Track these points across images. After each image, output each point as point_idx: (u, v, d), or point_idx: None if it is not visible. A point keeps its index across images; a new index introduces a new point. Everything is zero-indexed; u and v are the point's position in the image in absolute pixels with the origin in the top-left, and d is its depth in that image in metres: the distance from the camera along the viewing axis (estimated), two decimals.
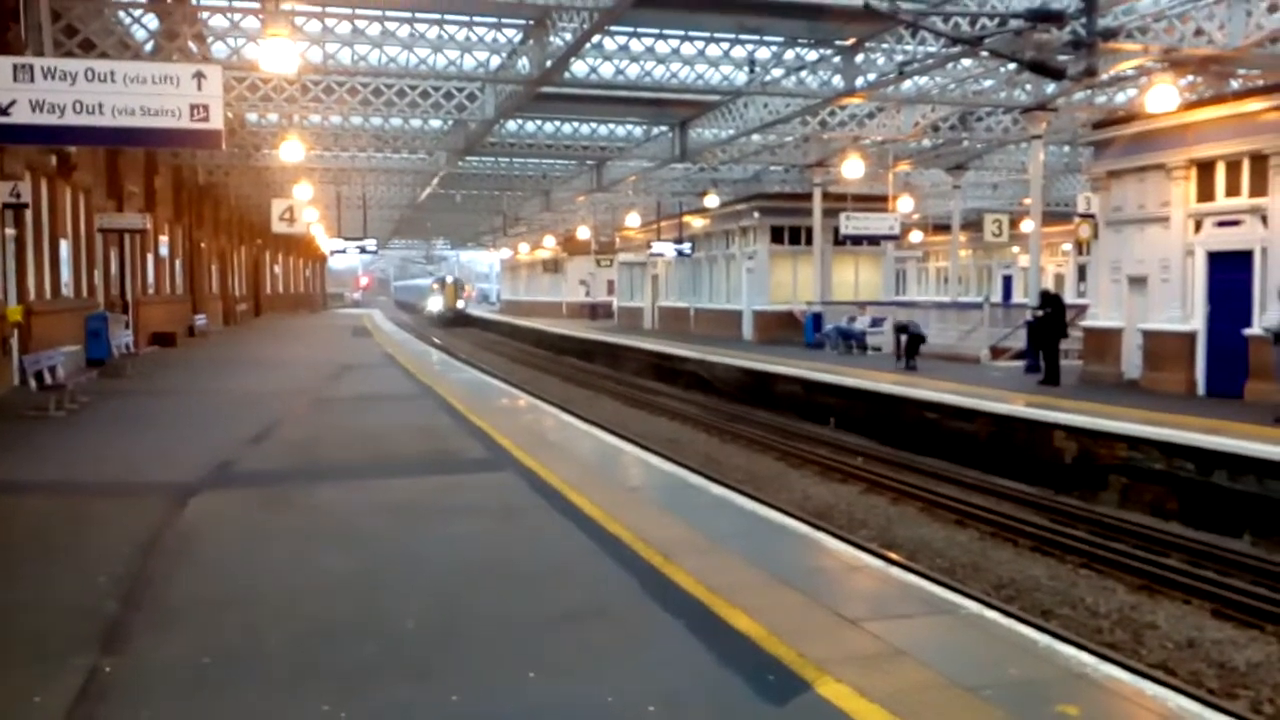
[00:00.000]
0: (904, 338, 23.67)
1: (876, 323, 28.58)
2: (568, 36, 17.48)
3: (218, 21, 18.93)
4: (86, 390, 16.68)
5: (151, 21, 18.44)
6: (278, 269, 60.50)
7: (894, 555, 10.22)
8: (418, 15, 19.48)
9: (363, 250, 40.20)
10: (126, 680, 4.93)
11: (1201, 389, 17.09)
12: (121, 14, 18.01)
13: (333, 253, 46.19)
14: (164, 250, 30.71)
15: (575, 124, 30.55)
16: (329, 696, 4.66)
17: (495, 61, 20.96)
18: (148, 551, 7.28)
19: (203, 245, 37.47)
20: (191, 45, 18.69)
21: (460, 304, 71.54)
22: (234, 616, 5.88)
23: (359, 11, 19.22)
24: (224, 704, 4.66)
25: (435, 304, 71.39)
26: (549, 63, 18.61)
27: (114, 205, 24.68)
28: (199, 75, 12.48)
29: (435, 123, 28.17)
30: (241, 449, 11.68)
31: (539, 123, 30.21)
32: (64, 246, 20.85)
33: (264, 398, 16.77)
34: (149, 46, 18.76)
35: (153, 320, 28.29)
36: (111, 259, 24.95)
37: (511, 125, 29.30)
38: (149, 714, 4.53)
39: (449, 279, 76.58)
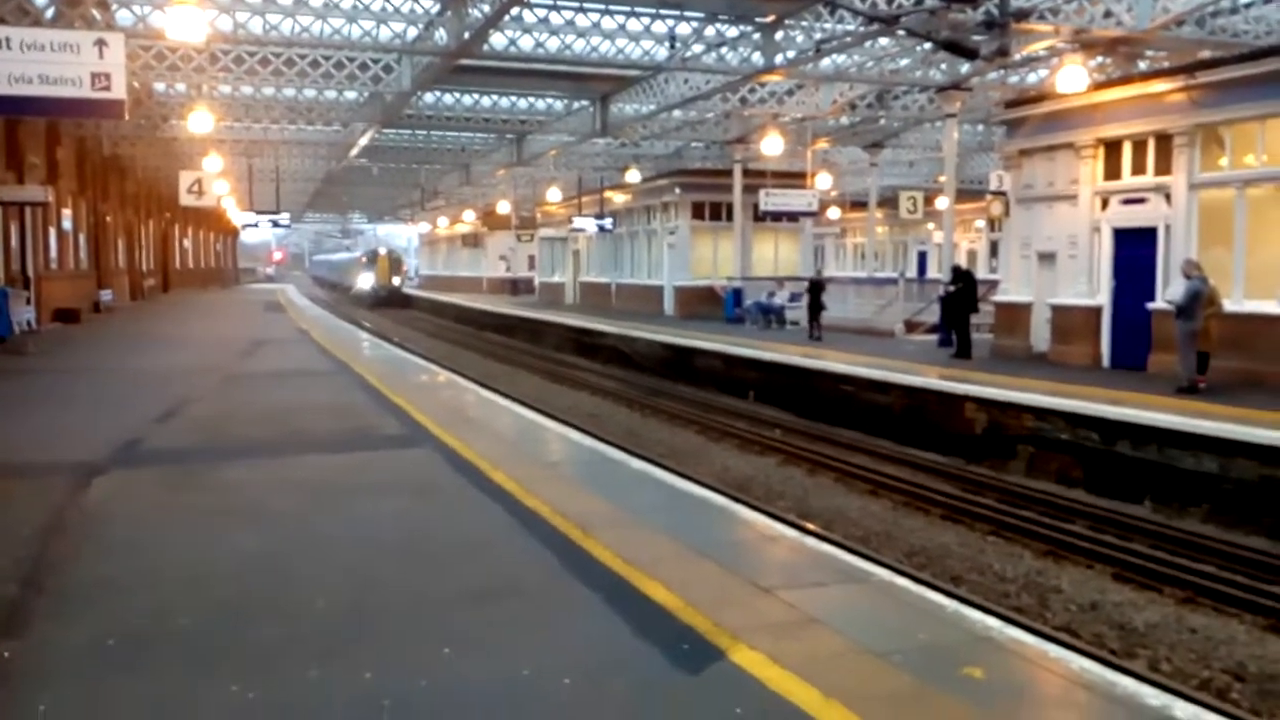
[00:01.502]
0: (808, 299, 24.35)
1: (795, 298, 28.92)
2: (486, 8, 17.29)
3: None
4: None
5: None
6: (187, 243, 58.99)
7: (810, 525, 10.39)
8: None
9: (275, 224, 39.32)
10: (27, 665, 4.78)
11: (1107, 361, 17.61)
12: None
13: (244, 226, 45.01)
14: (67, 224, 29.72)
15: (495, 97, 30.26)
16: (238, 677, 4.58)
17: (412, 33, 20.60)
18: (50, 533, 7.06)
19: (108, 219, 36.34)
20: (95, 12, 18.02)
21: (396, 280, 62.86)
22: (139, 598, 5.74)
23: None
24: (129, 686, 4.55)
25: (366, 280, 62.10)
26: (467, 34, 18.39)
27: (14, 177, 23.80)
28: (100, 43, 12.13)
29: (350, 94, 27.63)
30: (148, 427, 11.38)
31: (458, 95, 29.86)
32: None
33: (172, 375, 16.36)
34: (50, 13, 18.06)
35: (56, 296, 27.38)
36: (12, 233, 24.06)
37: (429, 98, 28.92)
38: (51, 697, 4.40)
39: (382, 250, 66.87)
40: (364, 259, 64.97)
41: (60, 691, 4.48)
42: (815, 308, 24.95)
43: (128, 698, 4.44)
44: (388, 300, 59.36)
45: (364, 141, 32.46)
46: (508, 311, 41.07)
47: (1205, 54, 18.63)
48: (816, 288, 25.34)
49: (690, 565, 6.35)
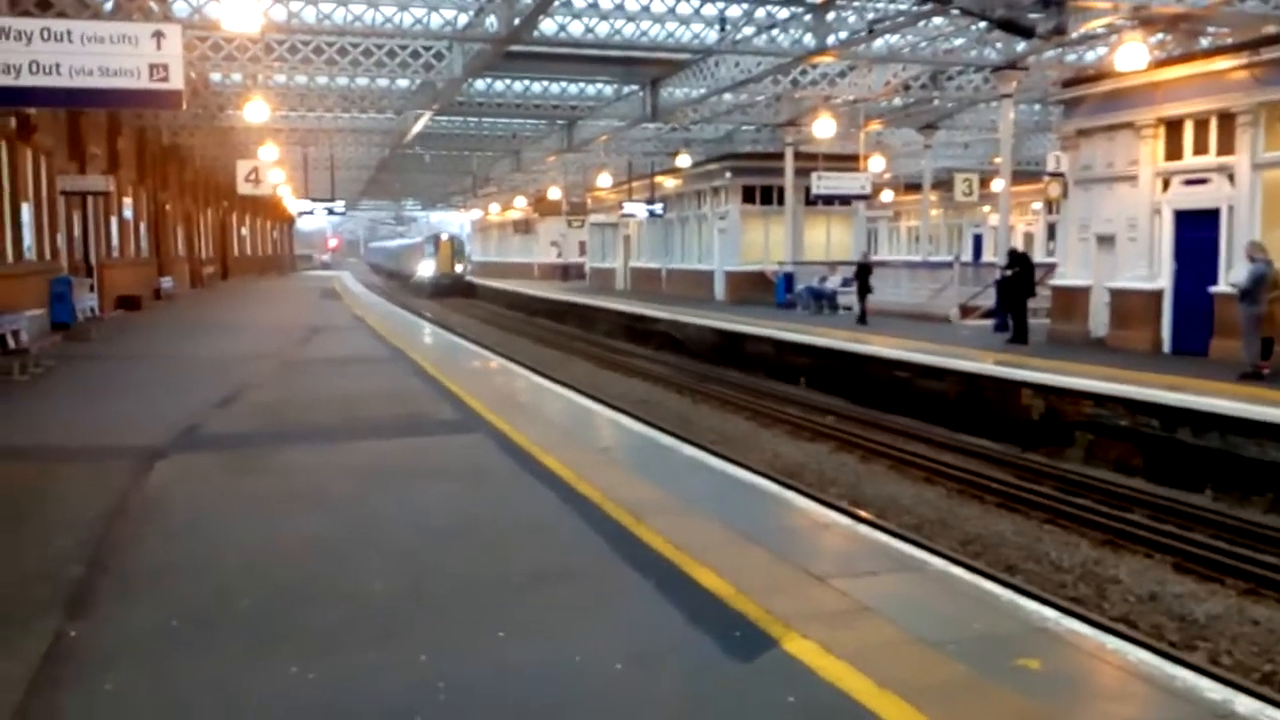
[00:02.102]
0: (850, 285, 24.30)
1: (847, 282, 28.68)
2: None
3: None
4: (51, 355, 16.49)
5: None
6: (245, 231, 59.83)
7: (862, 513, 10.33)
8: None
9: (330, 211, 39.82)
10: (92, 645, 4.90)
11: (1168, 347, 17.27)
12: None
13: (300, 214, 45.73)
14: (128, 213, 30.26)
15: (545, 83, 30.26)
16: (297, 659, 4.66)
17: (463, 19, 20.67)
18: (114, 516, 7.22)
19: (168, 207, 36.96)
20: (152, 4, 18.31)
21: (459, 268, 58.06)
22: (201, 580, 5.86)
23: None
24: (190, 667, 4.64)
25: (426, 268, 57.34)
26: (517, 20, 18.40)
27: (76, 167, 24.25)
28: (158, 35, 12.30)
29: (402, 82, 27.79)
30: (209, 412, 11.59)
31: (508, 82, 29.91)
32: (25, 210, 20.49)
33: (232, 361, 16.64)
34: (108, 5, 18.36)
35: (118, 284, 27.93)
36: (75, 222, 24.55)
37: (480, 84, 29.01)
38: (115, 678, 4.51)
39: (444, 235, 61.78)
40: (424, 245, 60.15)
41: (125, 671, 4.59)
42: (863, 291, 24.86)
43: (191, 677, 4.53)
44: (450, 289, 55.36)
45: (418, 128, 32.65)
46: (559, 297, 41.20)
47: (1270, 30, 18.12)
48: (864, 271, 25.19)
49: (742, 552, 6.34)
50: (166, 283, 34.07)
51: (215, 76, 27.57)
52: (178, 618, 5.24)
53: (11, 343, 15.22)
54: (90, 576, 5.92)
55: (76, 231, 24.73)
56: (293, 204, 48.59)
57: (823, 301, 28.52)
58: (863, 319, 24.27)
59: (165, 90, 12.29)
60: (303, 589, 5.70)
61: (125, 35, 12.25)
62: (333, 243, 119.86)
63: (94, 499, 7.65)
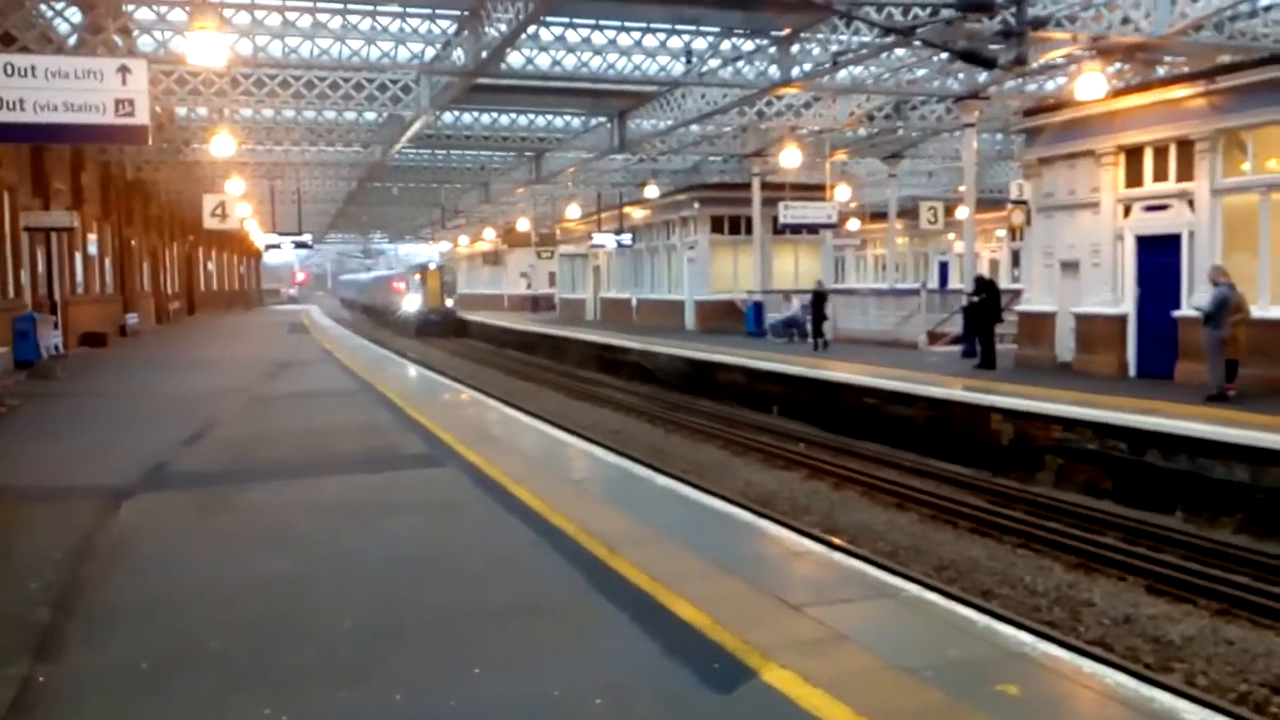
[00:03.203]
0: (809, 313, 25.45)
1: (805, 308, 29.06)
2: (503, 27, 17.37)
3: (144, 15, 18.55)
4: (15, 393, 16.27)
5: (75, 15, 17.99)
6: (211, 266, 59.46)
7: (836, 540, 10.33)
8: (350, 6, 19.28)
9: (298, 245, 39.62)
10: (61, 689, 4.81)
11: (1133, 370, 17.45)
12: (44, 7, 17.56)
13: (267, 248, 45.37)
14: (93, 249, 29.99)
15: (513, 115, 30.42)
16: (269, 700, 4.58)
17: (430, 53, 20.77)
18: (80, 557, 7.10)
19: (133, 243, 36.68)
20: (117, 39, 18.27)
21: (449, 302, 51.99)
22: (170, 621, 5.77)
23: (289, 3, 18.94)
24: (161, 710, 4.56)
25: (412, 302, 51.19)
26: (484, 54, 18.50)
27: (40, 203, 24.06)
28: (124, 69, 12.24)
29: (370, 115, 27.81)
30: (176, 450, 11.45)
31: (476, 114, 30.05)
32: None
33: (199, 398, 16.46)
34: (73, 40, 18.28)
35: (82, 320, 27.63)
36: (38, 258, 24.30)
37: (448, 117, 29.12)
38: None
39: (432, 264, 55.42)
40: (407, 277, 53.74)
41: (95, 715, 4.51)
42: (818, 319, 25.31)
43: None
44: (440, 326, 49.08)
45: (394, 152, 32.65)
46: (529, 329, 41.15)
47: (1225, 58, 18.51)
48: (819, 299, 25.58)
49: (718, 582, 6.32)
50: (132, 319, 33.75)
51: (181, 111, 27.49)
52: (147, 659, 5.14)
53: None
54: (57, 619, 5.81)
55: (40, 268, 24.46)
56: (260, 238, 48.37)
57: (793, 330, 28.66)
58: (821, 346, 24.73)
59: (131, 125, 12.23)
60: (274, 628, 5.62)
61: (90, 70, 12.19)
62: (300, 276, 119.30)
63: (60, 540, 7.52)
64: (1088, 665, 5.22)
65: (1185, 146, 16.53)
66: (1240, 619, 8.52)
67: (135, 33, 18.90)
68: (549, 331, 38.55)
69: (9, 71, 11.85)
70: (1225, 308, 14.06)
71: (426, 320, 49.59)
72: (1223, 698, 6.87)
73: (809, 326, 28.29)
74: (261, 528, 7.95)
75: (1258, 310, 14.70)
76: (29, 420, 14.31)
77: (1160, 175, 17.13)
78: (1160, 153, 17.09)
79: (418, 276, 52.46)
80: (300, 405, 15.71)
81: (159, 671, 5.00)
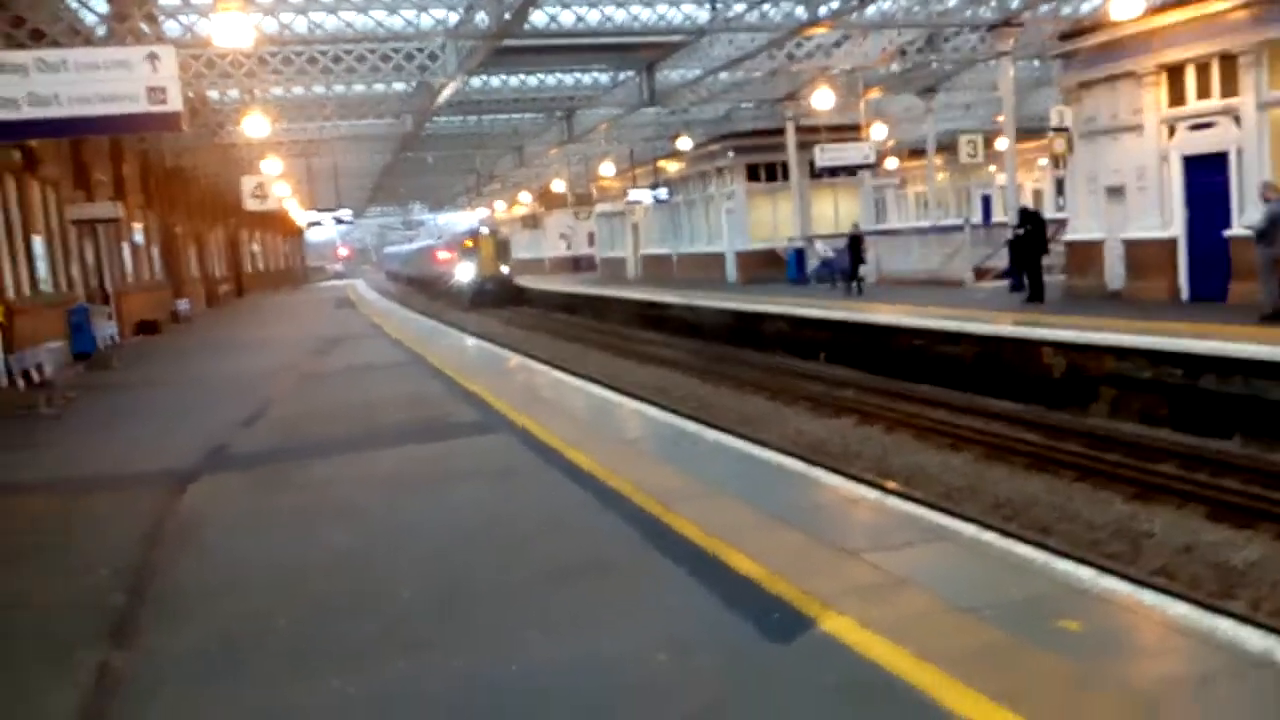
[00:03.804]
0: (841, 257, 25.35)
1: (839, 251, 29.01)
2: None
3: (168, 0, 18.64)
4: (75, 385, 16.63)
5: (100, 5, 18.15)
6: (256, 247, 60.08)
7: (890, 485, 10.30)
8: None
9: (338, 220, 39.87)
10: (137, 673, 4.96)
11: (1185, 295, 17.15)
12: None
13: (309, 225, 45.65)
14: (139, 237, 30.44)
15: (541, 76, 30.31)
16: (337, 673, 4.70)
17: (453, 18, 20.72)
18: (149, 542, 7.29)
19: (177, 229, 37.14)
20: (143, 26, 18.42)
21: (505, 269, 47.81)
22: (238, 600, 5.91)
23: None
24: (233, 690, 4.69)
25: (465, 271, 46.75)
26: (507, 15, 18.42)
27: (83, 196, 24.41)
28: (153, 57, 12.32)
29: (399, 85, 27.85)
30: (235, 431, 11.66)
31: (504, 77, 29.97)
32: (37, 242, 20.66)
33: (253, 378, 16.73)
34: (100, 31, 18.46)
35: (135, 309, 28.12)
36: (87, 250, 24.73)
37: (477, 82, 29.04)
38: (161, 705, 4.56)
39: (484, 230, 51.36)
40: (466, 242, 49.07)
41: (170, 697, 4.65)
42: (855, 263, 25.24)
43: (233, 702, 4.57)
44: (495, 296, 45.09)
45: (426, 122, 32.69)
46: (572, 290, 41.21)
47: None
48: (855, 242, 25.37)
49: (773, 533, 6.34)
50: (183, 305, 34.26)
51: (213, 94, 27.69)
52: (218, 640, 5.29)
53: (35, 376, 15.36)
54: (131, 604, 5.98)
55: (90, 260, 24.90)
56: (300, 216, 48.74)
57: (835, 274, 28.43)
58: (856, 291, 24.68)
59: (165, 112, 12.32)
60: (338, 602, 5.74)
61: (120, 60, 12.28)
62: (343, 252, 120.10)
63: (129, 526, 7.72)
64: (1149, 597, 5.19)
65: (1228, 61, 16.09)
66: None
67: (161, 18, 19.03)
68: (591, 292, 38.58)
69: (41, 67, 11.97)
70: (1278, 224, 13.74)
71: (482, 290, 45.81)
72: None
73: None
74: (321, 503, 8.10)
75: None
76: (90, 410, 14.64)
77: (1204, 92, 16.71)
78: (1203, 69, 16.65)
79: (469, 243, 48.06)
80: (352, 380, 15.91)
81: (229, 651, 5.14)
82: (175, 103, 12.48)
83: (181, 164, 36.46)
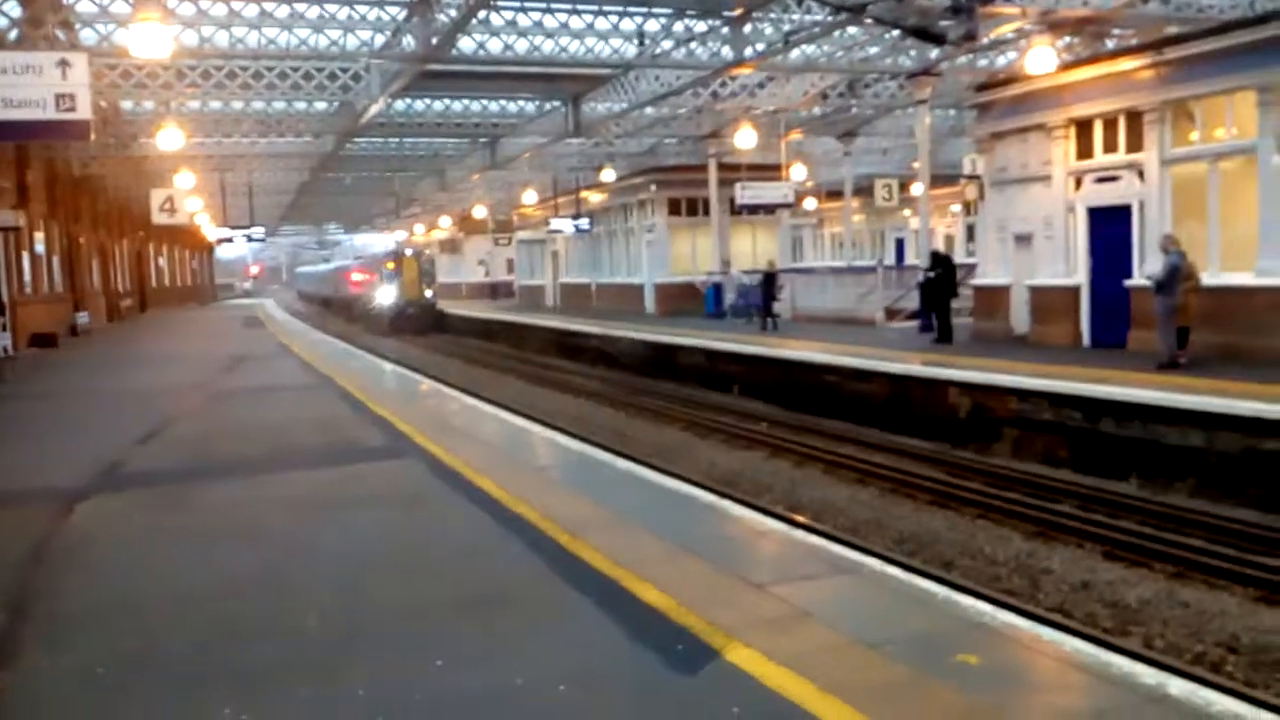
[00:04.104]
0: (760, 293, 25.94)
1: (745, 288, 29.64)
2: (453, 13, 17.24)
3: (85, 7, 18.16)
4: None
5: (14, 9, 17.62)
6: (162, 261, 58.63)
7: (799, 518, 10.39)
8: None
9: (250, 238, 39.11)
10: (19, 695, 4.74)
11: (1087, 340, 17.68)
12: None
13: (219, 242, 44.60)
14: (40, 247, 29.43)
15: (466, 101, 30.19)
16: (232, 700, 4.53)
17: (379, 40, 20.54)
18: (34, 561, 6.98)
19: (81, 240, 36.04)
20: (58, 33, 17.89)
21: (429, 294, 46.20)
22: (128, 623, 5.69)
23: None
24: (122, 713, 4.50)
25: (386, 294, 45.08)
26: (434, 40, 18.32)
27: None
28: (64, 63, 12.02)
29: (320, 104, 27.52)
30: (131, 449, 11.29)
31: (429, 101, 29.78)
32: None
33: (154, 395, 16.24)
34: (12, 35, 17.91)
35: (32, 320, 27.12)
36: None
37: (400, 105, 28.83)
38: None
39: (408, 252, 49.89)
40: (379, 264, 47.58)
41: None
42: (768, 299, 25.71)
43: None
44: (418, 322, 43.49)
45: (335, 151, 32.29)
46: (488, 316, 40.94)
47: (1172, 30, 18.72)
48: (769, 280, 25.88)
49: (681, 564, 6.33)
50: (83, 318, 33.17)
51: (127, 104, 27.02)
52: (105, 662, 5.07)
53: None
54: (13, 623, 5.71)
55: None
56: (211, 232, 47.61)
57: (752, 309, 28.74)
58: (771, 327, 25.13)
59: (72, 120, 12.02)
60: (235, 626, 5.56)
61: (29, 65, 11.96)
62: (254, 270, 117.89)
63: (14, 543, 7.39)
64: (1046, 632, 5.30)
65: (1134, 118, 16.72)
66: (1195, 581, 8.68)
67: (78, 26, 18.54)
68: (508, 319, 38.39)
69: None
70: (1176, 275, 14.27)
71: (404, 314, 43.96)
72: (1179, 659, 7.00)
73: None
74: (220, 526, 7.86)
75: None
76: None
77: (1110, 147, 17.32)
78: (1110, 124, 17.28)
79: (391, 265, 46.27)
80: (258, 400, 15.54)
81: (118, 674, 4.93)
82: (84, 111, 12.18)
83: (90, 174, 35.46)
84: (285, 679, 4.80)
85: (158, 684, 4.82)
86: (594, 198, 40.37)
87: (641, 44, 21.10)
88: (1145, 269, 15.81)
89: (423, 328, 42.74)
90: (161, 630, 5.53)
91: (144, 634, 5.49)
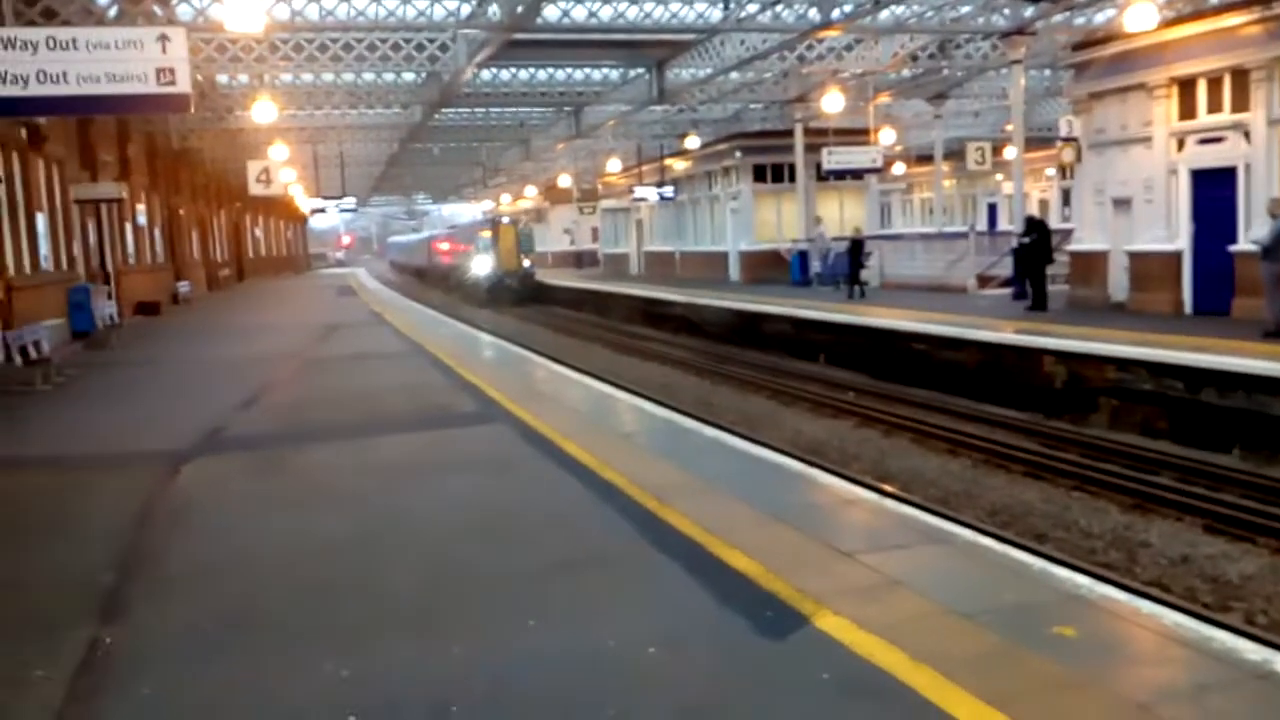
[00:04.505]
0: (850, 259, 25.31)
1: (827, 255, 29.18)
2: None
3: None
4: (73, 363, 16.60)
5: None
6: (258, 232, 60.03)
7: (888, 487, 10.27)
8: None
9: (342, 209, 39.81)
10: (127, 651, 4.93)
11: (1189, 308, 17.12)
12: None
13: (313, 212, 45.60)
14: (142, 219, 30.40)
15: (551, 70, 30.24)
16: (331, 656, 4.67)
17: (465, 9, 20.67)
18: (142, 521, 7.26)
19: (181, 211, 37.11)
20: (156, 8, 18.38)
21: (527, 264, 43.40)
22: (231, 582, 5.88)
23: None
24: (224, 669, 4.66)
25: (482, 265, 42.77)
26: (520, 8, 18.35)
27: (88, 175, 24.37)
28: (163, 38, 12.30)
29: (409, 75, 27.81)
30: (232, 414, 11.64)
31: (514, 71, 29.90)
32: (40, 220, 20.61)
33: (252, 362, 16.70)
34: (112, 12, 18.41)
35: (136, 290, 28.09)
36: (90, 230, 24.68)
37: (486, 75, 29.01)
38: (151, 682, 4.53)
39: (505, 220, 46.83)
40: (475, 235, 45.15)
41: (160, 675, 4.61)
42: (856, 267, 25.19)
43: (225, 679, 4.55)
44: (516, 293, 41.23)
45: (424, 122, 32.64)
46: (574, 285, 41.12)
47: None
48: (857, 247, 25.37)
49: (769, 531, 6.32)
50: (184, 287, 34.24)
51: (222, 78, 27.66)
52: (209, 620, 5.26)
53: (33, 353, 15.33)
54: (121, 583, 5.95)
55: (92, 239, 24.86)
56: (304, 203, 48.69)
57: (839, 278, 28.39)
58: (858, 295, 24.64)
59: (173, 94, 12.31)
60: (332, 587, 5.71)
61: (130, 40, 12.26)
62: (346, 240, 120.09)
63: (122, 506, 7.69)
64: (1145, 606, 5.17)
65: (1240, 76, 16.06)
66: None
67: (173, 2, 18.99)
68: (593, 287, 38.52)
69: (51, 45, 11.95)
70: None
71: (501, 284, 41.84)
72: None
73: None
74: (317, 488, 8.07)
75: None
76: (87, 389, 14.61)
77: (1214, 107, 16.67)
78: (1214, 83, 16.62)
79: (488, 233, 43.69)
80: (352, 367, 15.88)
81: (221, 631, 5.11)
82: (184, 84, 12.46)
83: (188, 146, 36.41)
84: (382, 637, 4.91)
85: (260, 640, 4.98)
86: (678, 165, 40.17)
87: (726, 7, 20.88)
88: (1251, 234, 15.22)
89: (521, 299, 40.94)
90: (262, 589, 5.71)
91: (245, 593, 5.68)
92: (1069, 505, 10.27)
